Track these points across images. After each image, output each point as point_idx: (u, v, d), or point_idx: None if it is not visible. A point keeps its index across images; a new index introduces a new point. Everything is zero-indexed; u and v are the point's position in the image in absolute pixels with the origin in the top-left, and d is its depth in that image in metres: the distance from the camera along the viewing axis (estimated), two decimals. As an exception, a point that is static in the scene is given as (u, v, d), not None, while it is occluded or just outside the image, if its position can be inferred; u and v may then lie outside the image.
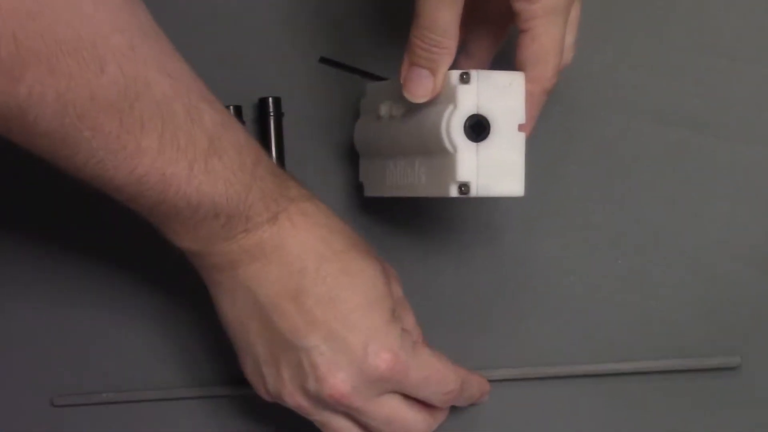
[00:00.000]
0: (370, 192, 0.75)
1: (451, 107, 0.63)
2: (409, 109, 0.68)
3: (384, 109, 0.70)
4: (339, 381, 0.66)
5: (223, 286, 0.67)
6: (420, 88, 0.64)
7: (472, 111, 0.63)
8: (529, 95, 0.63)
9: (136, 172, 0.60)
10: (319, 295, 0.65)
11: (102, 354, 0.79)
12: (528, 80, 0.63)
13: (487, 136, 0.63)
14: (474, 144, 0.64)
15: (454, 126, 0.63)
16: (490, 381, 0.74)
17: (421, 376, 0.67)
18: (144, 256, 0.78)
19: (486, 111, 0.63)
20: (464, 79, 0.63)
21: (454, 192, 0.64)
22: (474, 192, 0.64)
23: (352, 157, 0.77)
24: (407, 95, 0.64)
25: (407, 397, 0.68)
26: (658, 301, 0.75)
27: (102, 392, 0.78)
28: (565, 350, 0.76)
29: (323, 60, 0.77)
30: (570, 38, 0.65)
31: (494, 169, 0.64)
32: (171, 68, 0.61)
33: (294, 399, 0.68)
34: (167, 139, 0.60)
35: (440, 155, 0.64)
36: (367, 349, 0.65)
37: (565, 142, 0.76)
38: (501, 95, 0.64)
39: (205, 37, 0.77)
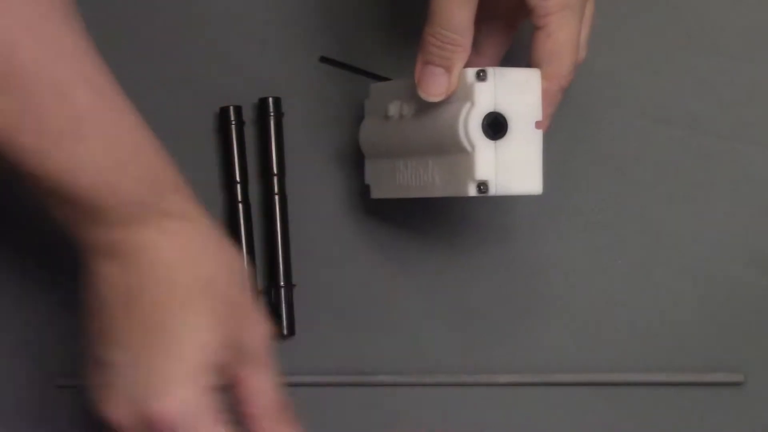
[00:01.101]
0: (377, 194, 0.74)
1: (468, 105, 0.63)
2: (421, 108, 0.67)
3: (393, 109, 0.70)
4: (118, 410, 0.62)
5: (87, 271, 0.64)
6: (435, 86, 0.64)
7: (490, 109, 0.63)
8: (545, 93, 0.63)
9: None
10: (144, 319, 0.62)
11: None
12: (543, 77, 0.63)
13: (505, 134, 0.64)
14: (492, 142, 0.64)
15: (471, 124, 0.63)
16: (492, 385, 0.75)
17: None
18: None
19: (503, 108, 0.64)
20: (481, 76, 0.63)
21: (472, 191, 0.64)
22: (493, 191, 0.64)
23: (353, 157, 0.77)
24: (422, 94, 0.64)
25: None
26: (661, 306, 0.75)
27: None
28: (567, 356, 0.75)
29: (324, 59, 0.77)
30: (584, 35, 0.65)
31: (512, 167, 0.64)
32: (50, 37, 0.58)
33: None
34: (30, 108, 0.58)
35: (457, 154, 0.64)
36: (155, 390, 0.61)
37: (565, 142, 0.76)
38: (518, 92, 0.64)
39: (206, 38, 0.77)
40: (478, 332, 0.76)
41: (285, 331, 0.77)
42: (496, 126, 0.64)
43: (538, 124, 0.64)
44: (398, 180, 0.71)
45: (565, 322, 0.75)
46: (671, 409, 0.74)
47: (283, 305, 0.77)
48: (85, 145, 0.60)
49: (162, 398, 0.61)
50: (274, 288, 0.77)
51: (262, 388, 0.66)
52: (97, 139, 0.60)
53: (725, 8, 0.74)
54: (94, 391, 0.64)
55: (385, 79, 0.74)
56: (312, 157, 0.77)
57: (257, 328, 0.66)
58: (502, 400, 0.75)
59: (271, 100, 0.76)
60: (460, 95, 0.64)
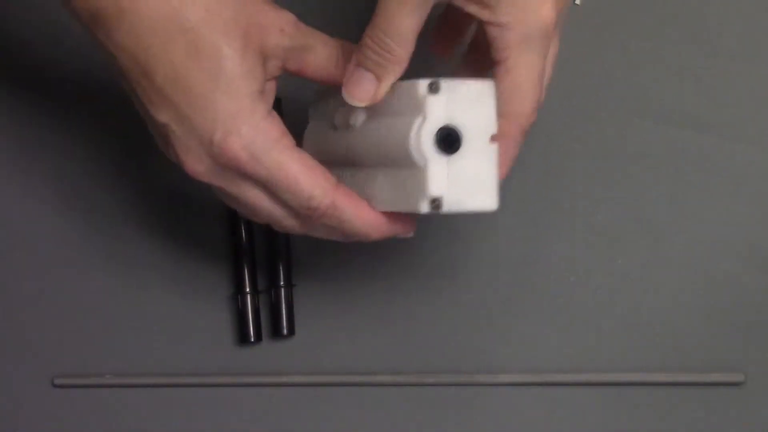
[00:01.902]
0: None
1: (420, 119, 0.60)
2: (370, 119, 0.64)
3: (339, 118, 0.66)
4: (191, 161, 0.62)
5: (97, 46, 0.63)
6: (361, 91, 0.61)
7: (443, 123, 0.60)
8: (505, 136, 0.61)
9: None
10: (167, 75, 0.61)
11: (104, 336, 0.79)
12: (503, 117, 0.60)
13: (459, 149, 0.60)
14: (445, 157, 0.60)
15: (424, 139, 0.60)
16: (492, 385, 0.75)
17: (271, 176, 0.62)
18: (149, 242, 0.78)
19: (457, 122, 0.60)
20: (433, 88, 0.60)
21: (424, 208, 0.60)
22: (446, 208, 0.60)
23: (352, 156, 0.77)
24: (346, 96, 0.62)
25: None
26: (661, 306, 0.75)
27: (103, 374, 0.79)
28: (568, 356, 0.75)
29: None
30: (546, 76, 0.62)
31: (466, 184, 0.61)
32: None
33: (172, 159, 0.65)
34: None
35: (408, 169, 0.61)
36: (213, 135, 0.61)
37: (565, 143, 0.76)
38: (471, 105, 0.60)
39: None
40: (478, 332, 0.76)
41: (285, 331, 0.77)
42: (449, 140, 0.60)
43: (492, 138, 0.61)
44: None
45: (565, 322, 0.75)
46: (671, 409, 0.74)
47: (283, 305, 0.77)
48: None
49: (225, 139, 0.61)
50: (274, 288, 0.77)
51: (319, 62, 0.64)
52: None
53: (725, 8, 0.75)
54: (169, 154, 0.64)
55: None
56: (312, 157, 0.77)
57: (275, 20, 0.63)
58: (502, 400, 0.75)
59: (271, 100, 0.76)
60: (411, 107, 0.61)
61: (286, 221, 0.65)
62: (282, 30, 0.63)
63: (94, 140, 0.79)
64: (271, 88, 0.65)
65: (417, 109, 0.60)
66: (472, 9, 0.59)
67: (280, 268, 0.77)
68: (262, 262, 0.78)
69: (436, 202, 0.60)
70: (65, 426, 0.80)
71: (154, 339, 0.79)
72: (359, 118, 0.65)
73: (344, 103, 0.65)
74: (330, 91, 0.67)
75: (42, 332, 0.80)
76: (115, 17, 0.60)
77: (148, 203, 0.79)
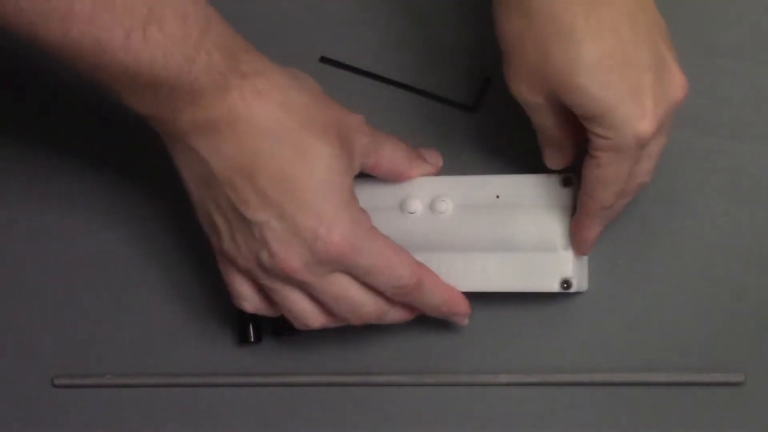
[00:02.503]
0: None
1: (560, 209, 0.70)
2: (474, 206, 0.71)
3: (415, 205, 0.72)
4: (289, 257, 0.66)
5: (177, 152, 0.67)
6: (555, 160, 0.70)
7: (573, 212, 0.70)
8: (588, 210, 0.68)
9: (70, 35, 0.60)
10: (272, 176, 0.65)
11: (104, 336, 0.79)
12: (589, 197, 0.67)
13: None
14: None
15: (566, 226, 0.70)
16: (492, 385, 0.75)
17: (370, 264, 0.68)
18: (149, 242, 0.78)
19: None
20: (568, 182, 0.70)
21: (555, 287, 0.70)
22: (575, 287, 0.70)
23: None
24: (549, 165, 0.70)
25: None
26: (662, 306, 0.75)
27: (103, 374, 0.79)
28: (567, 356, 0.75)
29: (324, 59, 0.77)
30: (647, 166, 0.68)
31: (579, 268, 0.71)
32: None
33: (247, 264, 0.68)
34: (101, 4, 0.60)
35: (535, 252, 0.70)
36: (318, 230, 0.66)
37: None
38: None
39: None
40: (478, 332, 0.76)
41: (285, 332, 0.77)
42: None
43: None
44: None
45: (566, 321, 0.75)
46: (671, 409, 0.74)
47: (283, 305, 0.77)
48: (164, 29, 0.62)
49: (330, 232, 0.66)
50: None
51: (392, 157, 0.72)
52: (171, 19, 0.62)
53: (725, 8, 0.74)
54: (232, 248, 0.68)
55: (385, 79, 0.74)
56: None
57: (354, 121, 0.69)
58: (502, 400, 0.75)
59: (271, 100, 0.76)
60: (544, 197, 0.71)
61: (366, 307, 0.70)
62: (360, 130, 0.69)
63: (90, 136, 0.79)
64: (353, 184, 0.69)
65: (555, 199, 0.70)
66: (578, 114, 0.64)
67: (280, 268, 0.77)
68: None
69: (567, 283, 0.70)
70: (65, 426, 0.80)
71: (154, 339, 0.79)
72: (449, 206, 0.72)
73: (424, 193, 0.72)
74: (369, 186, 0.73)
75: (42, 332, 0.80)
76: (229, 124, 0.64)
77: (149, 204, 0.79)
